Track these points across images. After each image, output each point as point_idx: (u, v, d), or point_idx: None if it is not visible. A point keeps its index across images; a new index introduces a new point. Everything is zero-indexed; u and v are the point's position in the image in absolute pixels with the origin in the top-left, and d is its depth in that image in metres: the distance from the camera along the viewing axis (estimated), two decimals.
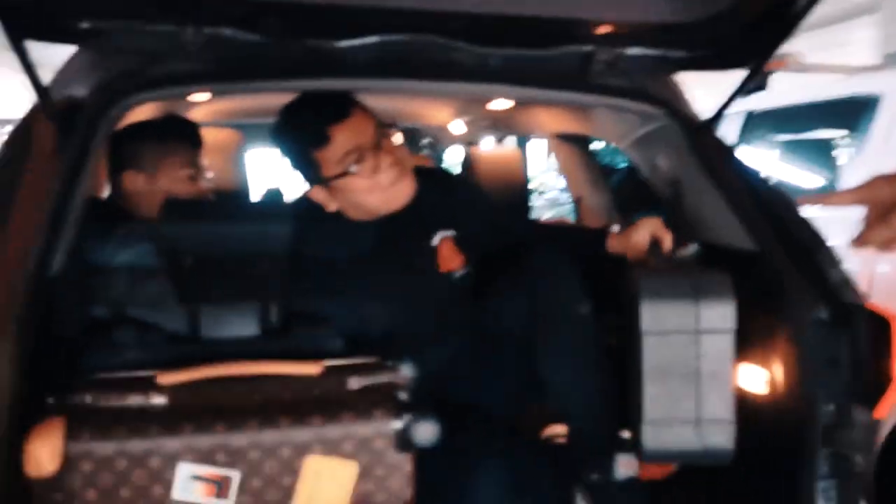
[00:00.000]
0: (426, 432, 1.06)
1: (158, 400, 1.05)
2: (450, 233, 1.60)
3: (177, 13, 1.22)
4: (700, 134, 1.54)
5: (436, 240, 1.59)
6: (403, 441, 1.06)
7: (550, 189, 9.76)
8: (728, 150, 1.58)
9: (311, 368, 1.13)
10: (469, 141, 3.61)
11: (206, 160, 1.77)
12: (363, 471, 1.06)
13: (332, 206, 1.51)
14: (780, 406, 1.42)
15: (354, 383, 1.12)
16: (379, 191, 1.49)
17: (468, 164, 2.65)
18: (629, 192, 2.75)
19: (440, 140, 3.96)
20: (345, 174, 1.46)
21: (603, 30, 1.48)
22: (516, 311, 1.49)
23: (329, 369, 1.14)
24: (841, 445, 1.29)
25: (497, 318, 1.54)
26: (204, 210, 1.56)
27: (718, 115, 1.54)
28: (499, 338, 1.56)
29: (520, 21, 1.43)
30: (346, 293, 1.46)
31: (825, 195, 1.17)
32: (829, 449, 1.30)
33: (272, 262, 1.27)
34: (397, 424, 1.06)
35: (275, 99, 2.24)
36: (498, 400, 1.56)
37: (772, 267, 1.37)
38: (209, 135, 1.90)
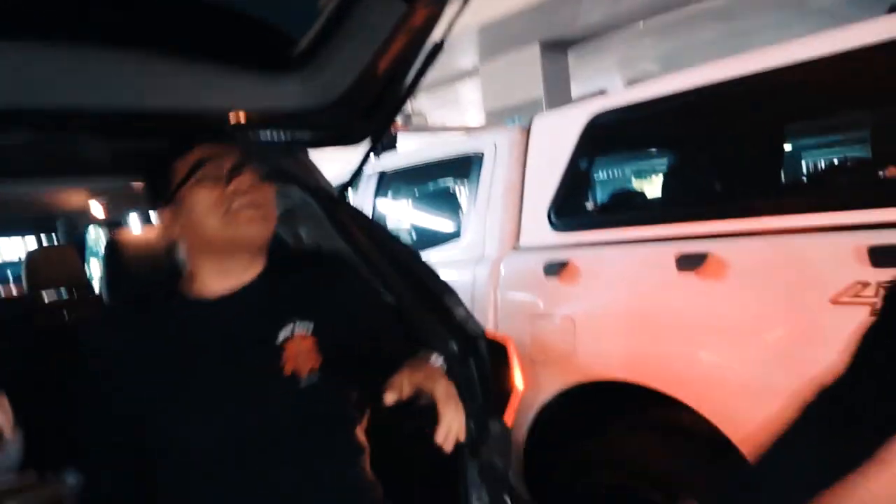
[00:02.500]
0: None
1: None
2: (306, 325, 1.26)
3: None
4: (334, 204, 1.72)
5: (285, 334, 1.25)
6: None
7: None
8: (362, 216, 1.79)
9: None
10: (111, 220, 3.44)
11: None
12: None
13: (173, 232, 1.27)
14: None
15: None
16: (223, 213, 1.23)
17: (113, 249, 2.53)
18: None
19: (78, 223, 3.70)
20: (189, 178, 1.24)
21: (238, 118, 1.59)
22: None
23: None
24: (484, 454, 1.54)
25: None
26: None
27: (348, 184, 1.74)
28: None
29: (153, 114, 1.48)
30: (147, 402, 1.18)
31: None
32: (476, 459, 1.54)
33: None
34: None
35: None
36: None
37: (410, 316, 1.58)
38: None
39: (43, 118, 1.32)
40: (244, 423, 1.18)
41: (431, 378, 1.15)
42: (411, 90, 1.53)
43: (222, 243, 1.25)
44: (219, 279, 1.27)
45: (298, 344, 1.24)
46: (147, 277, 2.40)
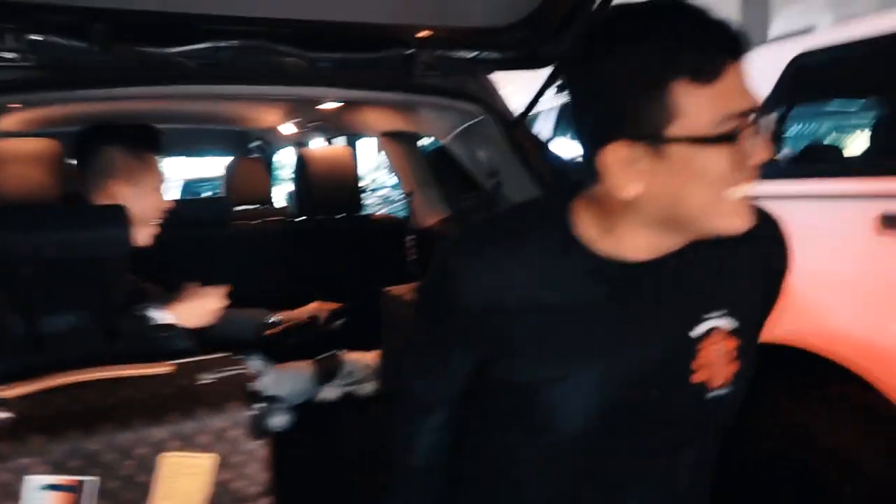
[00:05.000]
0: (278, 419, 1.13)
1: (3, 414, 1.04)
2: (730, 321, 0.94)
3: None
4: (513, 127, 1.70)
5: (703, 328, 0.93)
6: (257, 429, 1.12)
7: (382, 186, 9.91)
8: (539, 142, 1.77)
9: (160, 368, 1.16)
10: (299, 142, 3.65)
11: (27, 171, 1.71)
12: (221, 461, 1.10)
13: (628, 190, 0.83)
14: None
15: (206, 379, 1.16)
16: (722, 191, 0.82)
17: (301, 163, 2.69)
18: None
19: (270, 142, 3.96)
20: (724, 138, 0.78)
21: (423, 34, 1.61)
22: None
23: (179, 367, 1.17)
24: None
25: None
26: (40, 216, 1.49)
27: (528, 109, 1.72)
28: None
29: (345, 26, 1.52)
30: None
31: None
32: None
33: (112, 267, 1.27)
34: (250, 413, 1.12)
35: (96, 106, 2.17)
36: None
37: None
38: (25, 145, 1.81)
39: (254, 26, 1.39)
40: (629, 414, 0.93)
41: None
42: (602, 11, 1.46)
43: (687, 221, 0.85)
44: (638, 242, 0.89)
45: (718, 345, 0.93)
46: (334, 196, 2.57)
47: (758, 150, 0.81)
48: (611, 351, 0.91)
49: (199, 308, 1.57)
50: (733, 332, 0.93)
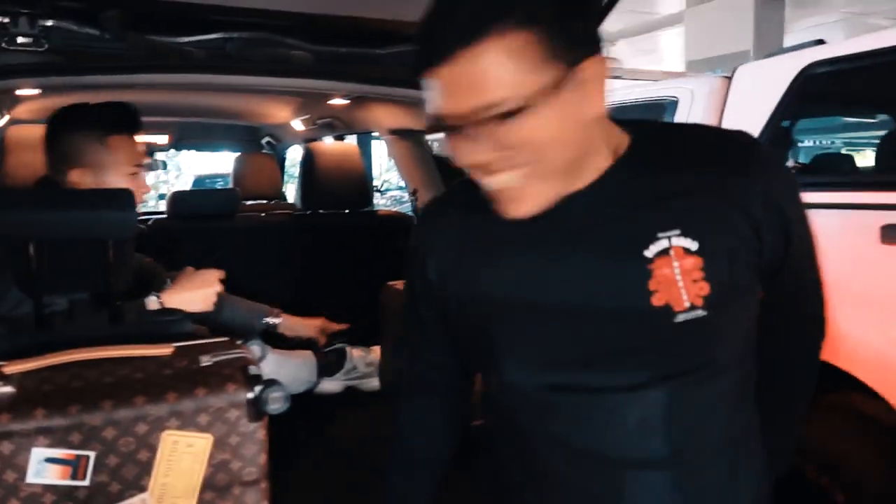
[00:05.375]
0: (276, 401, 1.15)
1: (5, 389, 1.06)
2: (685, 241, 0.88)
3: (10, 3, 1.22)
4: None
5: (658, 246, 0.88)
6: (255, 410, 1.14)
7: (393, 187, 9.94)
8: None
9: (161, 350, 1.18)
10: (311, 139, 3.68)
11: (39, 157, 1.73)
12: (218, 441, 1.12)
13: None
14: None
15: (206, 360, 1.18)
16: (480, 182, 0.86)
17: (308, 157, 2.72)
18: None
19: (280, 138, 4.00)
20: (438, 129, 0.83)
21: None
22: None
23: (180, 349, 1.19)
24: None
25: None
26: (48, 197, 1.50)
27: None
28: None
29: (352, 21, 1.55)
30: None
31: None
32: None
33: (117, 249, 1.29)
34: (249, 395, 1.14)
35: (112, 95, 2.21)
36: None
37: None
38: (38, 132, 1.84)
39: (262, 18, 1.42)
40: (586, 357, 0.89)
41: None
42: (609, 8, 1.47)
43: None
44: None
45: (673, 263, 0.87)
46: (340, 191, 2.59)
47: (464, 154, 0.82)
48: (557, 277, 0.90)
49: (196, 295, 1.55)
50: (694, 252, 0.87)
